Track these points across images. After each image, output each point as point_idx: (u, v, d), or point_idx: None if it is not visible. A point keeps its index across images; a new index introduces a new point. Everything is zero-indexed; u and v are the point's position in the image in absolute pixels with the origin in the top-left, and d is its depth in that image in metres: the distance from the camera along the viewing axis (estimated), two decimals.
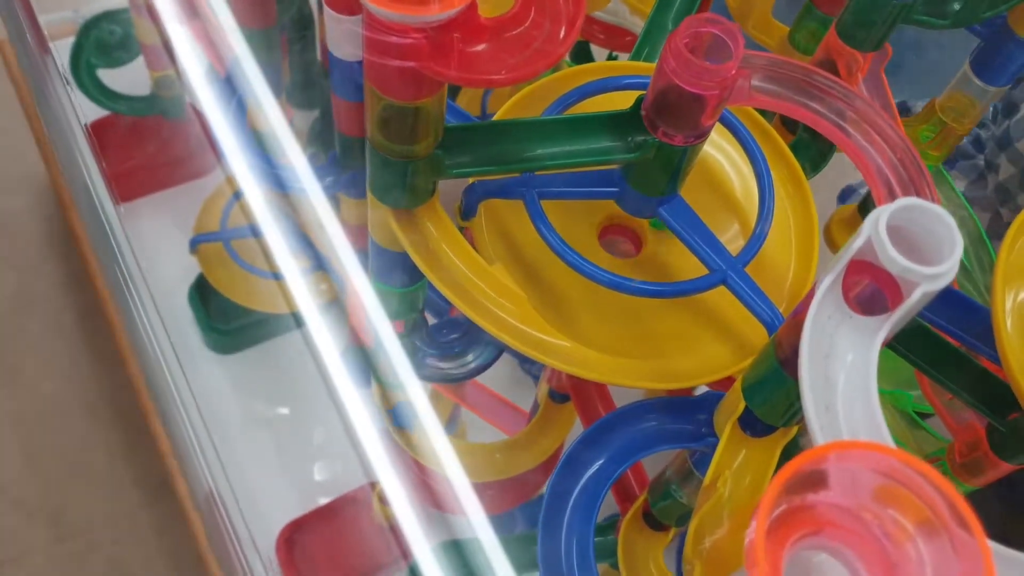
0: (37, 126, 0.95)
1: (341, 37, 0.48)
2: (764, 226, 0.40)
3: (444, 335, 0.52)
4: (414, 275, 0.45)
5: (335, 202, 0.61)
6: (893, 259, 0.26)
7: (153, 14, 0.64)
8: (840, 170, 0.57)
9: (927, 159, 0.60)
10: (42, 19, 0.76)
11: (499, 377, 0.68)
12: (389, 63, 0.32)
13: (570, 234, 0.40)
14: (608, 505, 0.42)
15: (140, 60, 0.90)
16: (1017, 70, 0.55)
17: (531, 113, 0.44)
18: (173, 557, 0.99)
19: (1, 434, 1.03)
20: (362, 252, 0.50)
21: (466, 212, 0.42)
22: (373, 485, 0.76)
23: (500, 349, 0.52)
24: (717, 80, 0.33)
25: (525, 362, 0.81)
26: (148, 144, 0.94)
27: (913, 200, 0.27)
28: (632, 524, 0.49)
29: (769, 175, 0.41)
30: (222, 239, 0.88)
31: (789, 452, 0.37)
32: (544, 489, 0.64)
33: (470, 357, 0.51)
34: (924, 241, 0.27)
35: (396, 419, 0.55)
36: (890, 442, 0.27)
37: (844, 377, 0.28)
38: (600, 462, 0.40)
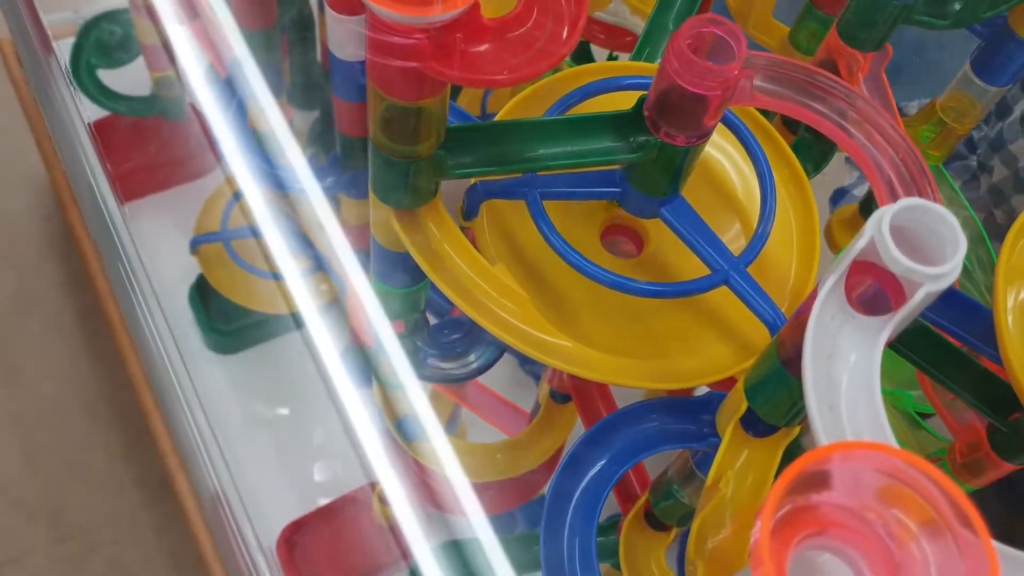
0: (37, 126, 0.95)
1: (342, 38, 0.48)
2: (766, 226, 0.40)
3: (446, 335, 0.52)
4: (416, 275, 0.45)
5: (336, 202, 0.61)
6: (896, 259, 0.26)
7: (153, 15, 0.64)
8: (830, 172, 0.57)
9: (927, 159, 0.60)
10: (44, 19, 0.76)
11: (500, 377, 0.68)
12: (392, 63, 0.32)
13: (572, 234, 0.40)
14: (609, 505, 0.42)
15: (140, 60, 0.90)
16: (1017, 70, 0.55)
17: (533, 113, 0.44)
18: (173, 557, 0.99)
19: (1, 434, 1.03)
20: (363, 253, 0.50)
21: (468, 212, 0.42)
22: (373, 486, 0.76)
23: (502, 349, 0.52)
24: (720, 80, 0.33)
25: (526, 362, 0.81)
26: (148, 145, 0.94)
27: (916, 200, 0.27)
28: (634, 524, 0.49)
29: (771, 175, 0.41)
30: (222, 239, 0.88)
31: (791, 452, 0.37)
32: (545, 489, 0.64)
33: (472, 357, 0.51)
34: (927, 241, 0.27)
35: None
36: (893, 442, 0.27)
37: (847, 377, 0.28)
38: (602, 462, 0.40)
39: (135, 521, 1.00)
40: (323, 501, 0.82)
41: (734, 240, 0.44)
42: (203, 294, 0.91)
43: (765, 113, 0.46)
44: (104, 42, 0.90)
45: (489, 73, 0.32)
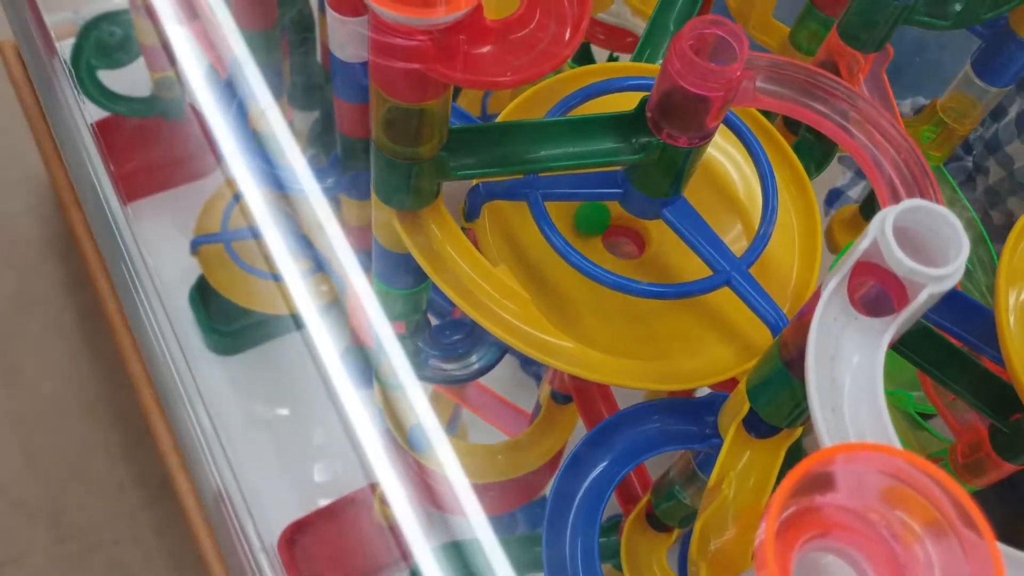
0: (37, 127, 0.95)
1: (344, 39, 0.48)
2: (768, 227, 0.40)
3: (447, 336, 0.52)
4: (418, 277, 0.45)
5: (336, 203, 0.61)
6: (899, 261, 0.26)
7: (153, 15, 0.64)
8: (824, 173, 0.57)
9: (928, 160, 0.60)
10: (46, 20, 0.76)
11: (501, 378, 0.68)
12: (394, 65, 0.32)
13: (574, 235, 0.40)
14: (610, 506, 0.42)
15: (140, 61, 0.90)
16: (1018, 71, 0.55)
17: (534, 114, 0.45)
18: (173, 557, 0.99)
19: (1, 434, 1.03)
20: (364, 253, 0.50)
21: (470, 214, 0.42)
22: (373, 487, 0.76)
23: (503, 350, 0.52)
24: (722, 82, 0.33)
25: (527, 363, 0.81)
26: (148, 145, 0.94)
27: (919, 202, 0.27)
28: (635, 525, 0.49)
29: (773, 176, 0.41)
30: (223, 240, 0.88)
31: (793, 453, 0.37)
32: (546, 490, 0.64)
33: (473, 358, 0.51)
34: (930, 242, 0.27)
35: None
36: (897, 443, 0.27)
37: (850, 379, 0.28)
38: (604, 463, 0.40)
39: (135, 521, 1.00)
40: (323, 502, 0.82)
41: (735, 241, 0.44)
42: (203, 295, 0.91)
43: (766, 114, 0.46)
44: (104, 43, 0.90)
45: (492, 75, 0.32)
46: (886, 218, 0.27)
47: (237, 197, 0.87)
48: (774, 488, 0.36)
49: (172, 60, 0.63)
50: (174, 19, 0.62)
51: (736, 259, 0.39)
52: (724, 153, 0.46)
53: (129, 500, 1.01)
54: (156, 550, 0.99)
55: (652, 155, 0.37)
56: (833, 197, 0.86)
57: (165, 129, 0.94)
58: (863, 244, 0.27)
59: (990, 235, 0.64)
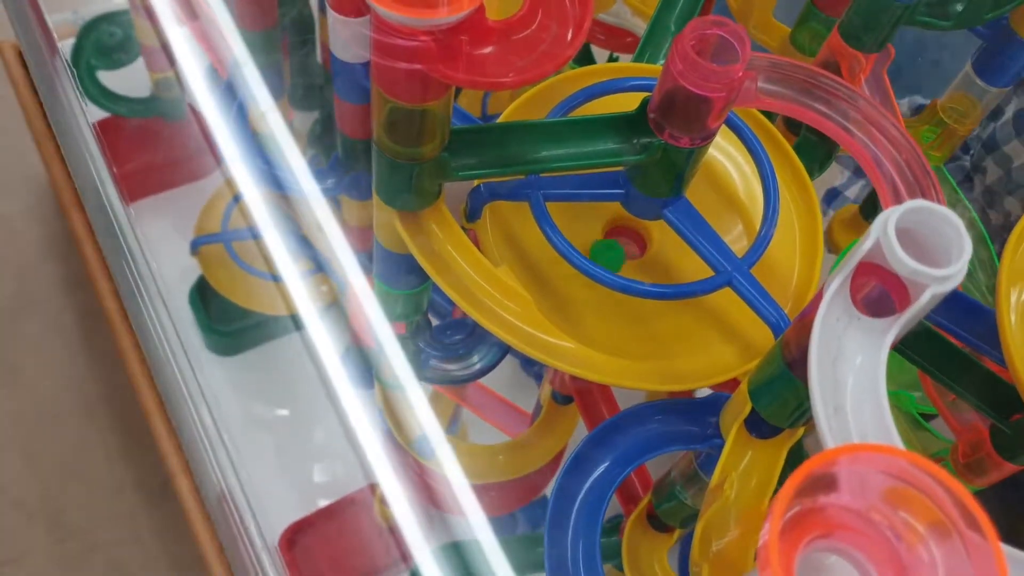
0: (37, 127, 0.95)
1: (345, 39, 0.48)
2: (769, 228, 0.40)
3: (448, 336, 0.52)
4: (419, 277, 0.45)
5: (337, 204, 0.61)
6: (902, 261, 0.26)
7: (153, 16, 0.64)
8: (823, 174, 0.57)
9: (928, 160, 0.60)
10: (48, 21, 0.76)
11: (501, 378, 0.68)
12: (397, 66, 0.32)
13: (575, 236, 0.40)
14: (611, 506, 0.42)
15: (140, 62, 0.90)
16: (1019, 71, 0.55)
17: (535, 115, 0.44)
18: (174, 558, 0.98)
19: (1, 434, 1.03)
20: (364, 254, 0.50)
21: (471, 214, 0.42)
22: (373, 488, 0.76)
23: (504, 350, 0.52)
24: (724, 82, 0.33)
25: (527, 363, 0.81)
26: (148, 146, 0.94)
27: (921, 203, 0.27)
28: (636, 525, 0.49)
29: (774, 177, 0.41)
30: (223, 241, 0.88)
31: (794, 454, 0.37)
32: (546, 491, 0.64)
33: (475, 359, 0.51)
34: (932, 243, 0.27)
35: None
36: (900, 444, 0.27)
37: (853, 379, 0.28)
38: (606, 464, 0.40)
39: (135, 521, 1.00)
40: (323, 502, 0.82)
41: (737, 241, 0.44)
42: (203, 295, 0.91)
43: (767, 114, 0.46)
44: (104, 43, 0.90)
45: (494, 75, 0.32)
46: (889, 219, 0.27)
47: (237, 198, 0.87)
48: (776, 488, 0.36)
49: (172, 61, 0.63)
50: (174, 19, 0.62)
51: (738, 259, 0.39)
52: (725, 154, 0.46)
53: (129, 500, 1.01)
54: (156, 550, 0.99)
55: (654, 155, 0.37)
56: (831, 197, 0.86)
57: (165, 129, 0.94)
58: (866, 245, 0.27)
59: (988, 235, 0.65)
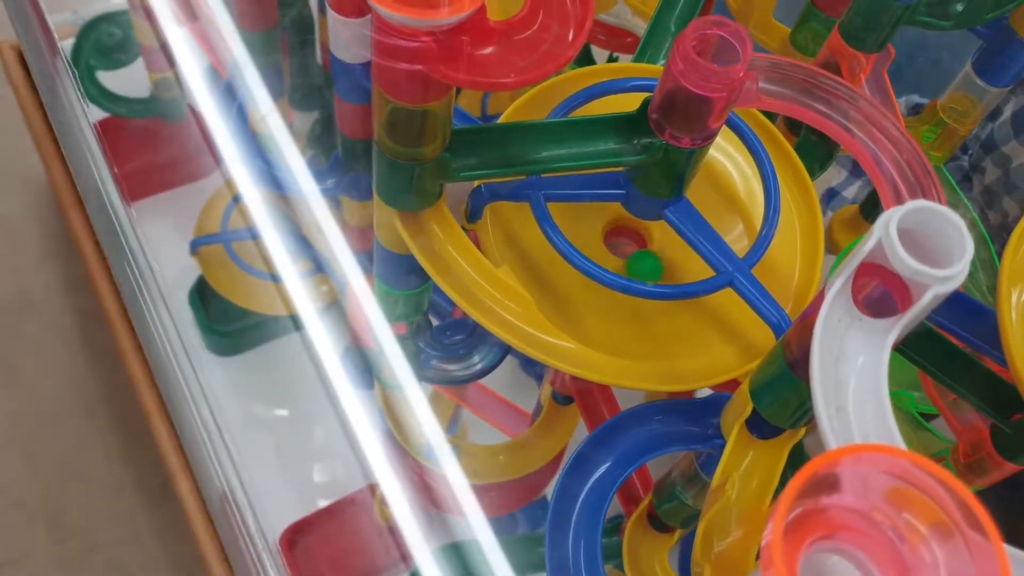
0: (37, 127, 0.95)
1: (345, 40, 0.48)
2: (770, 228, 0.40)
3: (449, 337, 0.52)
4: (420, 277, 0.45)
5: (337, 204, 0.61)
6: (904, 262, 0.26)
7: (152, 16, 0.64)
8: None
9: (929, 160, 0.60)
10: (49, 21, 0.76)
11: (501, 378, 0.68)
12: (398, 66, 0.32)
13: (576, 236, 0.40)
14: (612, 506, 0.42)
15: (140, 62, 0.90)
16: (1019, 71, 0.55)
17: (536, 115, 0.44)
18: (174, 558, 0.98)
19: (1, 434, 1.03)
20: (364, 254, 0.50)
21: (472, 215, 0.42)
22: (373, 488, 0.76)
23: (505, 351, 0.52)
24: (725, 82, 0.33)
25: (528, 363, 0.81)
26: (148, 146, 0.94)
27: (923, 203, 0.27)
28: (637, 525, 0.49)
29: (775, 177, 0.41)
30: (223, 241, 0.88)
31: (795, 454, 0.37)
32: (546, 491, 0.64)
33: (475, 359, 0.51)
34: (933, 243, 0.27)
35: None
36: (902, 444, 0.27)
37: (855, 380, 0.28)
38: (607, 464, 0.40)
39: (135, 521, 1.00)
40: (323, 503, 0.82)
41: (737, 241, 0.44)
42: (203, 296, 0.91)
43: (767, 114, 0.46)
44: (103, 44, 0.90)
45: (495, 76, 0.32)
46: (890, 219, 0.27)
47: (237, 198, 0.87)
48: (777, 489, 0.36)
49: (171, 61, 0.63)
50: (173, 20, 0.62)
51: (739, 260, 0.39)
52: (726, 154, 0.46)
53: (129, 500, 1.01)
54: (156, 550, 0.99)
55: (654, 156, 0.37)
56: (829, 197, 0.86)
57: (164, 130, 0.94)
58: (867, 245, 0.27)
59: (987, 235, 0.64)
